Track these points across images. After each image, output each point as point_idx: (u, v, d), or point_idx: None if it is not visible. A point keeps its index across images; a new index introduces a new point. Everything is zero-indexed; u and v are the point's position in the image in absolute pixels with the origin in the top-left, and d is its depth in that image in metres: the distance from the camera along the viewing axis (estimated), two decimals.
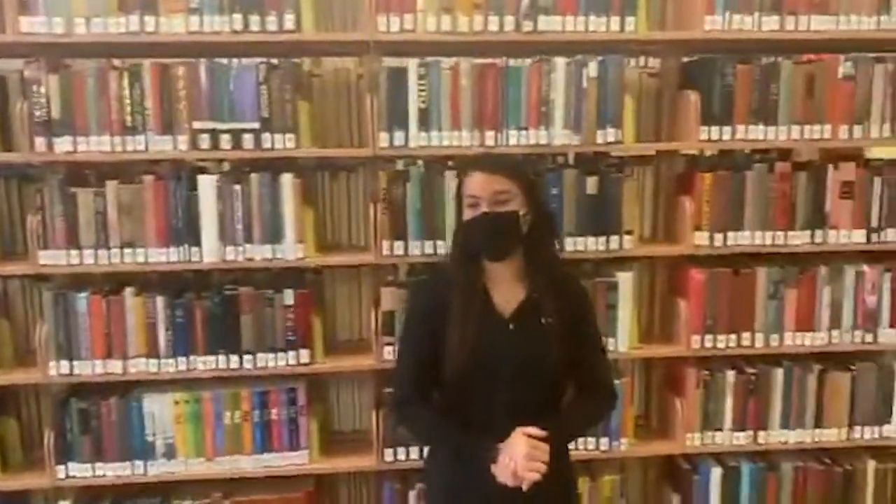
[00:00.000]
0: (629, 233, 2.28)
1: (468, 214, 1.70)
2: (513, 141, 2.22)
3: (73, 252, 2.16)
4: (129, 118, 2.13)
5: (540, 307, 1.73)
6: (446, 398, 1.77)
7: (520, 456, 1.58)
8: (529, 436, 1.62)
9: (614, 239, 2.28)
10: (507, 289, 1.76)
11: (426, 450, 1.98)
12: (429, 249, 2.24)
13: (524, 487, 1.58)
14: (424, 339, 1.75)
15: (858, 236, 2.34)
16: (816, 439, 2.42)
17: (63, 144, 2.12)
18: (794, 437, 2.41)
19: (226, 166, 2.41)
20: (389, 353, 2.26)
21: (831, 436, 2.42)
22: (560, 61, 2.20)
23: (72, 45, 2.13)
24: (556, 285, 1.76)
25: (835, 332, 2.37)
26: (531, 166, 2.14)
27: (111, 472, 2.26)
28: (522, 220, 1.69)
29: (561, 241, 1.91)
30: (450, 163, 2.30)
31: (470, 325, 1.68)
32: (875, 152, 2.74)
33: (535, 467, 1.58)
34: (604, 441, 2.36)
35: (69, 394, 2.27)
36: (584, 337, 1.79)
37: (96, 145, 2.13)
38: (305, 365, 2.24)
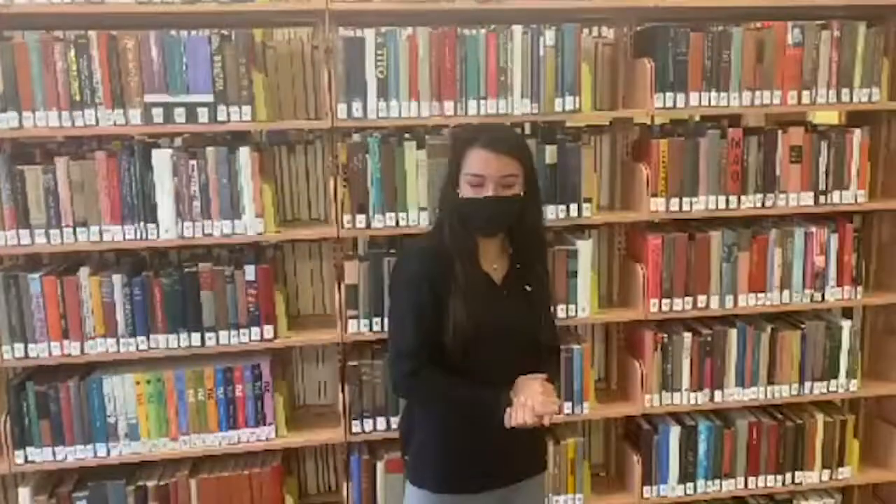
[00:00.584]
0: (588, 200, 2.32)
1: (469, 191, 1.69)
2: (472, 111, 2.22)
3: (23, 232, 2.10)
4: (76, 93, 2.06)
5: (523, 276, 1.81)
6: (446, 364, 1.75)
7: (537, 393, 1.65)
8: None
9: (573, 207, 2.31)
10: (492, 258, 1.81)
11: (419, 421, 1.88)
12: (390, 222, 2.23)
13: (546, 422, 1.65)
14: (427, 307, 1.71)
15: (807, 199, 2.42)
16: (769, 396, 2.51)
17: (8, 120, 2.04)
18: (748, 395, 2.50)
19: (177, 141, 2.36)
20: (354, 326, 2.26)
21: (783, 392, 2.51)
22: (517, 29, 2.20)
23: (13, 17, 2.04)
24: (537, 257, 1.86)
25: (786, 293, 2.46)
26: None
27: (72, 455, 2.22)
28: (521, 202, 1.72)
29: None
30: (407, 134, 2.29)
31: (474, 294, 1.72)
32: (817, 118, 2.84)
33: (552, 400, 1.67)
34: (567, 405, 2.41)
35: (25, 377, 2.22)
36: (548, 302, 1.90)
37: (43, 121, 2.06)
38: (269, 340, 2.23)
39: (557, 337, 1.97)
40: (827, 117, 2.91)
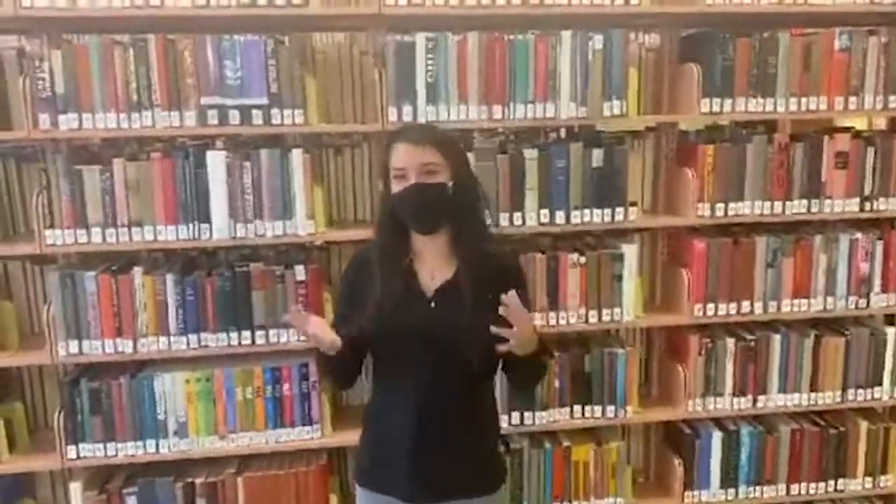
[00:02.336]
0: (633, 204, 2.33)
1: (396, 187, 1.65)
2: (520, 114, 2.24)
3: (80, 231, 2.14)
4: (134, 94, 2.10)
5: (467, 285, 1.67)
6: (374, 370, 1.79)
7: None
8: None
9: (619, 211, 2.32)
10: (434, 266, 1.72)
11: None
12: None
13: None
14: (347, 311, 1.74)
15: (852, 205, 2.41)
16: (812, 402, 2.50)
17: (68, 122, 2.09)
18: (791, 401, 2.50)
19: (218, 143, 2.39)
20: None
21: (826, 398, 2.51)
22: (566, 35, 2.22)
23: (74, 20, 2.09)
24: (484, 261, 1.70)
25: (830, 299, 2.45)
26: (458, 137, 1.94)
27: (122, 451, 2.25)
28: (450, 192, 1.65)
29: (490, 215, 1.82)
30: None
31: (387, 299, 1.66)
32: (852, 124, 2.84)
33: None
34: (609, 409, 2.42)
35: (78, 374, 2.26)
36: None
37: (102, 122, 2.10)
38: None
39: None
40: (861, 124, 2.92)
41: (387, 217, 1.72)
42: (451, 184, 1.65)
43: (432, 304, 1.70)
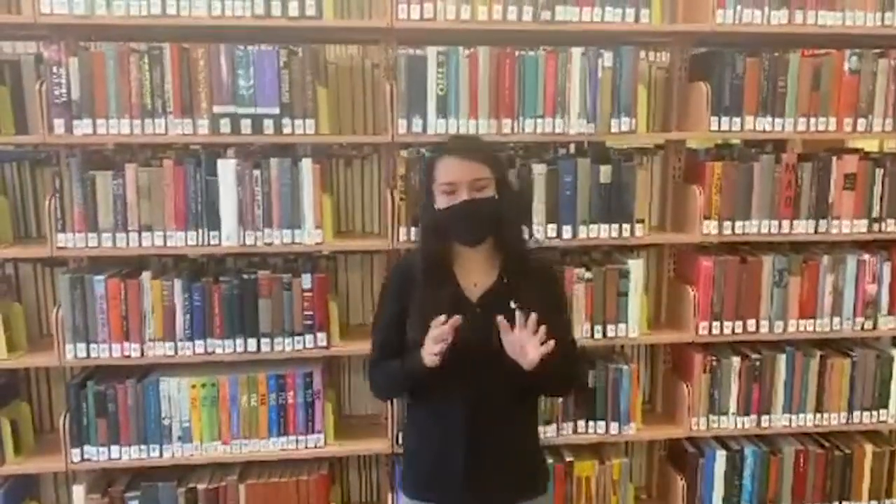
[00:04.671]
0: (640, 221, 2.33)
1: (444, 201, 1.68)
2: (528, 129, 2.25)
3: (91, 235, 2.17)
4: (148, 101, 2.13)
5: (510, 292, 1.70)
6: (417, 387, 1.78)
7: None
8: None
9: (626, 227, 2.32)
10: (475, 273, 1.76)
11: (406, 428, 1.99)
12: None
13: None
14: (392, 321, 1.77)
15: (860, 226, 2.41)
16: (817, 423, 2.49)
17: (83, 127, 2.12)
18: (795, 422, 2.48)
19: (230, 152, 2.42)
20: None
21: (831, 420, 2.49)
22: (576, 51, 2.24)
23: (91, 28, 2.13)
24: (528, 270, 1.75)
25: (836, 320, 2.45)
26: (500, 150, 2.08)
27: (127, 454, 2.26)
28: (498, 206, 1.69)
29: (531, 227, 1.89)
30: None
31: (433, 306, 1.66)
32: (860, 144, 2.85)
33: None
34: (613, 425, 2.41)
35: (85, 377, 2.27)
36: (554, 327, 1.66)
37: (116, 128, 2.13)
38: (324, 348, 2.27)
39: (572, 355, 1.81)
40: (869, 145, 2.92)
41: (431, 228, 1.74)
42: (497, 197, 1.69)
43: (478, 310, 1.72)
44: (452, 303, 1.69)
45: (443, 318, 1.60)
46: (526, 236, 1.80)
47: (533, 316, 1.59)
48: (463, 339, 1.64)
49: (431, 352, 1.61)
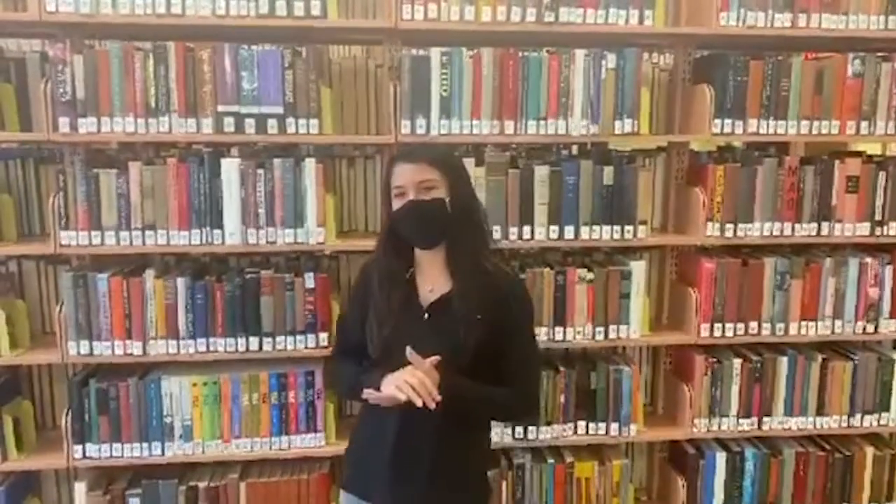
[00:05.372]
0: (643, 222, 2.34)
1: (396, 205, 1.70)
2: (531, 130, 2.26)
3: (95, 233, 2.17)
4: (153, 100, 2.14)
5: (461, 301, 1.68)
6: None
7: (406, 373, 1.59)
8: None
9: (628, 228, 2.33)
10: (434, 279, 1.75)
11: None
12: None
13: (401, 398, 1.56)
14: (352, 323, 1.83)
15: (862, 229, 2.41)
16: (818, 426, 2.49)
17: (87, 125, 2.12)
18: (796, 424, 2.49)
19: (234, 151, 2.42)
20: None
21: (832, 423, 2.50)
22: (579, 53, 2.24)
23: (96, 27, 2.13)
24: (481, 278, 1.71)
25: (838, 322, 2.45)
26: (457, 155, 2.06)
27: (128, 452, 2.26)
28: (448, 207, 1.68)
29: (489, 233, 1.82)
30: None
31: (388, 313, 1.71)
32: (863, 147, 2.85)
33: (419, 386, 1.56)
34: (614, 426, 2.41)
35: (87, 375, 2.28)
36: (511, 342, 1.71)
37: (120, 126, 2.13)
38: (325, 347, 2.27)
39: (526, 387, 1.78)
40: (872, 148, 2.92)
41: (388, 234, 1.76)
42: (448, 199, 1.68)
43: (426, 317, 1.73)
44: (403, 308, 1.72)
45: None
46: (482, 242, 1.78)
47: (432, 359, 1.59)
48: (402, 343, 1.61)
49: (390, 394, 1.59)
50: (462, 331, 1.66)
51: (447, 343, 1.66)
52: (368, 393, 1.65)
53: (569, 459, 2.44)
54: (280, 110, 2.17)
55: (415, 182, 1.66)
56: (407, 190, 1.67)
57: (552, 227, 2.30)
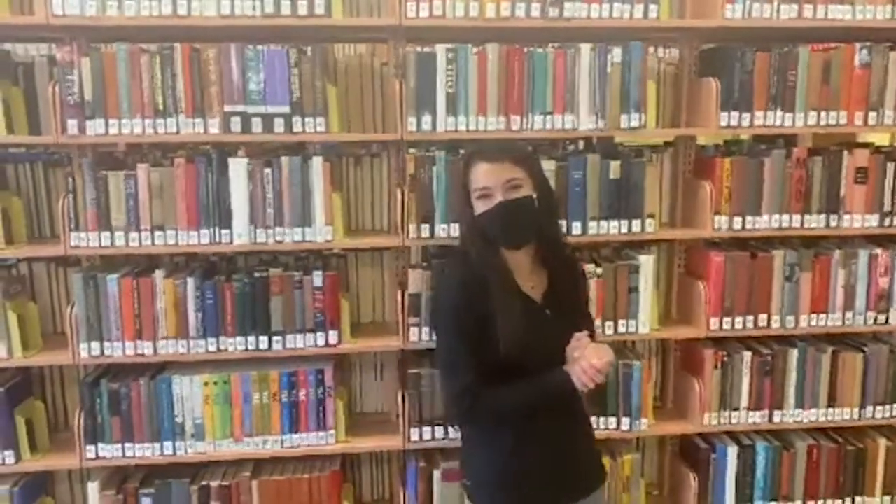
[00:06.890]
0: (651, 216, 2.33)
1: (480, 206, 1.70)
2: (538, 125, 2.26)
3: (104, 234, 2.18)
4: (160, 101, 2.15)
5: (564, 293, 1.80)
6: (494, 382, 1.74)
7: (592, 353, 1.69)
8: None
9: (636, 222, 2.32)
10: (527, 275, 1.79)
11: (477, 446, 1.88)
12: (454, 232, 2.27)
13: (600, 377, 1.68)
14: (474, 339, 1.71)
15: (872, 220, 2.40)
16: (829, 418, 2.48)
17: (95, 127, 2.13)
18: (807, 417, 2.48)
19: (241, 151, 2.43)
20: (415, 334, 2.30)
21: (844, 415, 2.49)
22: (585, 47, 2.24)
23: (103, 29, 2.14)
24: (569, 267, 1.84)
25: (848, 314, 2.44)
26: (531, 149, 2.13)
27: (140, 452, 2.28)
28: (536, 204, 1.71)
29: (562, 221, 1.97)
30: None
31: (516, 317, 1.69)
32: (870, 139, 2.83)
33: (605, 351, 1.70)
34: (624, 421, 2.41)
35: (99, 375, 2.29)
36: (584, 317, 1.92)
37: (128, 128, 2.14)
38: (334, 346, 2.27)
39: None
40: (880, 139, 2.91)
41: (476, 237, 1.75)
42: (535, 195, 1.71)
43: (546, 312, 1.78)
44: (525, 309, 1.73)
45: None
46: (564, 232, 1.88)
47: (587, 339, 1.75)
48: (543, 343, 1.70)
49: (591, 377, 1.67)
50: (578, 320, 1.82)
51: (569, 335, 1.75)
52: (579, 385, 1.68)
53: None
54: (286, 109, 2.18)
55: (501, 182, 1.68)
56: (494, 191, 1.68)
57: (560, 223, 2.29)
